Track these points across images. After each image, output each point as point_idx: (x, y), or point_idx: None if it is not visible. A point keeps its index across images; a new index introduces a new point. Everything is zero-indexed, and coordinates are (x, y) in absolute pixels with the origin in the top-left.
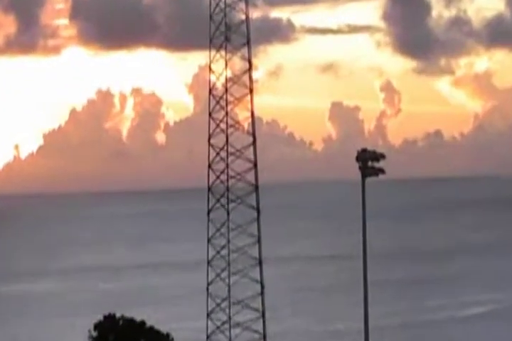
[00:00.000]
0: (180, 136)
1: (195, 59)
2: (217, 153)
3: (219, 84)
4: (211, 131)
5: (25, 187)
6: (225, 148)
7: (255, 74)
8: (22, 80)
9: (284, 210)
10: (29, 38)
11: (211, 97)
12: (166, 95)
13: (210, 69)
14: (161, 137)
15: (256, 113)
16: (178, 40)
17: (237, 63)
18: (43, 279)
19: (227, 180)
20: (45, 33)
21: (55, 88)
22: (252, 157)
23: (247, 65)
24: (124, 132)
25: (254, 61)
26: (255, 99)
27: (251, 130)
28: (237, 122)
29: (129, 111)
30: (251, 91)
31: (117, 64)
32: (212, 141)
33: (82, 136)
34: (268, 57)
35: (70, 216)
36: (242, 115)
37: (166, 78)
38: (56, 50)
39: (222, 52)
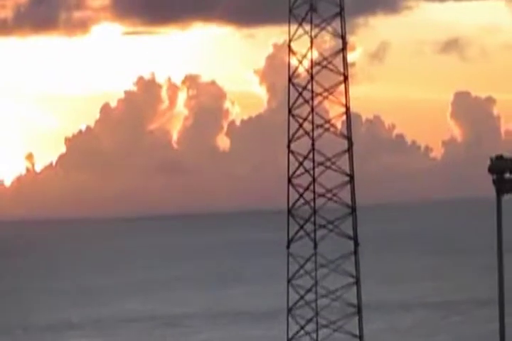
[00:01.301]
0: (250, 141)
1: (268, 36)
2: (301, 163)
3: (302, 70)
4: (292, 134)
5: (42, 210)
6: (311, 155)
7: (352, 56)
8: (37, 66)
9: (392, 240)
10: (47, 10)
11: (291, 87)
12: (229, 85)
13: (289, 49)
14: (223, 142)
15: (352, 108)
16: (246, 13)
17: (327, 41)
18: (73, 334)
19: (314, 200)
20: (69, 3)
21: (81, 76)
22: (347, 168)
23: (339, 44)
24: (175, 136)
25: (350, 38)
26: (352, 90)
27: (346, 131)
28: (327, 121)
29: (181, 107)
30: (346, 78)
31: (164, 44)
32: (293, 147)
33: (117, 141)
34: (369, 32)
35: (104, 248)
36: (333, 111)
37: (229, 62)
38: (83, 26)
39: (307, 27)
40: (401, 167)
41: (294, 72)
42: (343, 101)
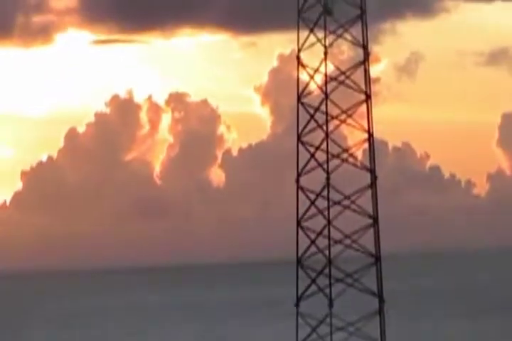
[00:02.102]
0: (249, 174)
1: (272, 45)
2: (312, 202)
3: (314, 87)
4: (301, 166)
5: None
6: (325, 193)
7: (376, 70)
8: None
9: (427, 297)
10: (2, 15)
11: (301, 108)
12: (224, 104)
13: (298, 61)
14: (217, 175)
15: (376, 134)
16: (245, 17)
17: (345, 51)
18: None
19: (329, 247)
20: (27, 5)
21: (41, 94)
22: (369, 208)
23: (360, 55)
24: (157, 168)
25: (373, 48)
26: (377, 111)
27: (368, 163)
28: (345, 150)
29: (165, 133)
30: (368, 97)
31: (144, 55)
32: (302, 182)
33: (85, 175)
34: (397, 41)
35: (69, 307)
36: (352, 138)
37: (224, 77)
38: (44, 33)
39: (320, 34)
40: (436, 206)
41: (304, 89)
42: (365, 126)
